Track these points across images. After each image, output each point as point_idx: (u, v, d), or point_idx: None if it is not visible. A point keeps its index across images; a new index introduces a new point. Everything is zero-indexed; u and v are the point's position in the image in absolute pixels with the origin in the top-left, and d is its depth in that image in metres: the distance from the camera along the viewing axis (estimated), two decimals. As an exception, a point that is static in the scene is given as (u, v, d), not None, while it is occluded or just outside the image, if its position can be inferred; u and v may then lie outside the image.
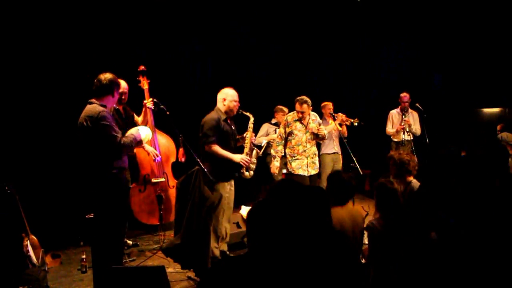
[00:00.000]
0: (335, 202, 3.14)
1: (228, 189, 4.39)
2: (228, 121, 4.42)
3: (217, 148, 4.26)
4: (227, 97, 4.38)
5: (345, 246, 2.21)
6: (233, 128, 4.47)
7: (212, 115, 4.36)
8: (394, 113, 7.15)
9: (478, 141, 8.23)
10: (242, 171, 4.45)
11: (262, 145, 6.15)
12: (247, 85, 7.44)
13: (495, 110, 8.71)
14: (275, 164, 5.45)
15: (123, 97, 4.63)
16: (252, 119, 4.58)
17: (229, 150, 4.35)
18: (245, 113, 4.55)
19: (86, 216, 4.37)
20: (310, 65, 8.63)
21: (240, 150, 4.49)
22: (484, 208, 2.63)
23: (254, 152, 4.53)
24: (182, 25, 6.83)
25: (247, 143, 4.46)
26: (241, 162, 4.33)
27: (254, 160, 4.52)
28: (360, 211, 3.23)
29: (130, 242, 5.17)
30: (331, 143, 6.56)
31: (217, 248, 4.29)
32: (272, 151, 5.58)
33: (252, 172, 4.54)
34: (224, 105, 4.38)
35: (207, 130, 4.26)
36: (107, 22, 5.90)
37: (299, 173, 5.43)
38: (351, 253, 2.55)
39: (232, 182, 4.49)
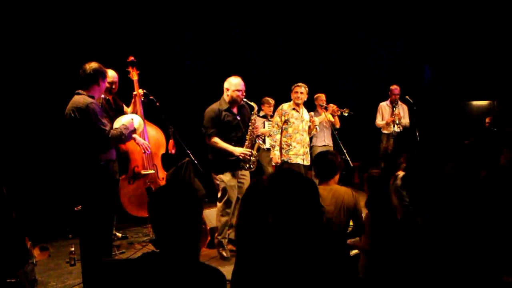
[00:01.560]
0: (319, 181, 3.21)
1: (234, 180, 4.38)
2: (235, 110, 4.39)
3: (216, 140, 4.26)
4: (230, 86, 4.36)
5: (329, 235, 2.22)
6: (238, 118, 4.41)
7: (213, 106, 4.35)
8: (384, 105, 7.18)
9: (467, 133, 8.29)
10: (241, 164, 4.42)
11: None
12: (239, 75, 7.41)
13: (484, 103, 8.77)
14: (276, 154, 5.43)
15: (113, 87, 4.58)
16: (255, 109, 4.54)
17: (232, 141, 4.33)
18: (249, 102, 4.51)
19: (75, 209, 4.33)
20: (302, 58, 8.60)
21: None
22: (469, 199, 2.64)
23: (256, 145, 4.48)
24: (173, 16, 6.76)
25: (248, 135, 4.42)
26: (241, 155, 4.31)
27: (255, 153, 4.47)
28: (349, 191, 3.19)
29: (119, 235, 5.14)
30: (322, 135, 6.57)
31: (225, 238, 4.46)
32: (270, 141, 5.57)
33: (252, 166, 4.49)
34: (228, 95, 4.37)
35: (205, 122, 4.29)
36: (97, 11, 5.80)
37: (298, 162, 5.44)
38: (335, 239, 2.56)
39: (245, 172, 4.48)
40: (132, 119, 3.82)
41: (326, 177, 3.21)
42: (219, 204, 4.46)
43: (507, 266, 2.25)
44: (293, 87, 5.54)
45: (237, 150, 4.30)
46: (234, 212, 4.35)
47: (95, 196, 3.52)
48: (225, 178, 4.35)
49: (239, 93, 4.37)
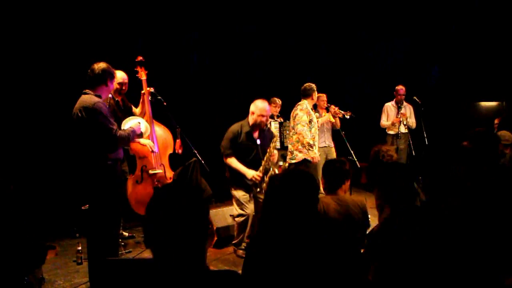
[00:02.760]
0: (329, 185, 3.16)
1: (247, 195, 4.48)
2: (256, 134, 4.48)
3: (231, 161, 4.41)
4: (255, 110, 4.43)
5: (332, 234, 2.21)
6: (257, 143, 4.49)
7: (234, 127, 4.47)
8: (390, 106, 7.13)
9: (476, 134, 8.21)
10: (251, 185, 4.50)
11: None
12: (245, 76, 7.42)
13: (493, 103, 8.69)
14: (316, 152, 5.61)
15: (123, 88, 4.59)
16: (276, 138, 4.61)
17: (246, 162, 4.42)
18: (271, 130, 4.75)
19: (82, 208, 4.34)
20: (307, 56, 8.58)
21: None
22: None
23: (270, 171, 4.49)
24: (180, 15, 6.76)
25: (264, 161, 4.44)
26: (252, 178, 4.37)
27: (266, 179, 4.47)
28: (358, 200, 3.15)
29: (126, 234, 5.16)
30: (322, 136, 6.55)
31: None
32: (308, 140, 5.56)
33: (261, 189, 4.51)
34: (252, 118, 4.44)
35: (224, 142, 4.44)
36: (104, 12, 5.82)
37: (317, 161, 5.62)
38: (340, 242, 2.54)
39: (257, 194, 4.56)
40: (139, 122, 3.83)
41: (334, 186, 3.17)
42: (235, 214, 4.59)
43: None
44: (314, 90, 5.77)
45: (249, 174, 4.37)
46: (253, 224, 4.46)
47: (102, 196, 3.53)
48: (238, 193, 4.48)
49: (263, 119, 4.45)
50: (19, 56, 5.26)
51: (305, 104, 5.65)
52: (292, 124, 5.73)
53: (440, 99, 8.49)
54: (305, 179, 2.11)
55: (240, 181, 4.44)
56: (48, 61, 5.41)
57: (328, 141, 6.65)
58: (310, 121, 5.57)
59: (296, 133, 5.61)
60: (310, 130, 5.56)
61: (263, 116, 4.41)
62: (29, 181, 5.08)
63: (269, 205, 2.12)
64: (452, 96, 8.59)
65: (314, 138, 5.59)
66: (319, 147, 6.53)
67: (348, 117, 6.47)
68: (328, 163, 3.34)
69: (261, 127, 4.52)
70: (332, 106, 6.44)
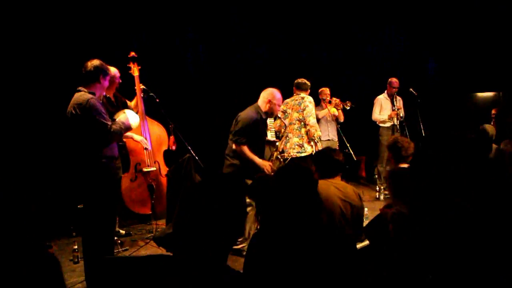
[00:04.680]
0: (322, 176, 3.12)
1: None
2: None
3: (244, 150, 4.23)
4: (273, 99, 4.35)
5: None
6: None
7: (251, 114, 4.30)
8: (383, 98, 7.06)
9: (473, 125, 8.21)
10: None
11: None
12: (240, 72, 7.38)
13: (489, 94, 8.67)
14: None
15: (116, 81, 4.55)
16: (286, 127, 4.58)
17: (257, 149, 4.33)
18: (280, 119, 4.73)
19: (78, 206, 4.32)
20: (304, 51, 8.54)
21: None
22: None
23: (278, 162, 4.48)
24: (173, 11, 6.71)
25: (276, 151, 4.40)
26: (266, 169, 4.26)
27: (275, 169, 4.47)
28: (353, 189, 3.14)
29: (122, 232, 5.14)
30: (326, 130, 6.53)
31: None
32: (319, 133, 5.60)
33: None
34: (267, 106, 4.35)
35: (240, 129, 4.22)
36: (98, 8, 5.77)
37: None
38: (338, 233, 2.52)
39: None
40: (126, 115, 3.77)
41: (327, 175, 3.13)
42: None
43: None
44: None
45: (264, 164, 4.31)
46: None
47: (97, 194, 3.50)
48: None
49: (279, 108, 4.47)
50: (12, 53, 5.20)
51: (310, 98, 5.60)
52: (297, 116, 5.61)
53: (436, 91, 8.48)
54: (302, 174, 2.09)
55: (248, 170, 4.28)
56: (41, 59, 5.36)
57: (332, 135, 6.64)
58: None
59: (307, 125, 5.52)
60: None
61: (279, 105, 4.43)
62: (24, 180, 5.05)
63: (269, 202, 2.09)
64: (448, 88, 8.57)
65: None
66: (322, 140, 6.52)
67: (348, 107, 6.44)
68: (321, 152, 3.32)
69: (271, 116, 4.55)
70: (334, 98, 6.42)
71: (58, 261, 1.58)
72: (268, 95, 4.37)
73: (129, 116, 3.69)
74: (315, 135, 5.48)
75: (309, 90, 5.69)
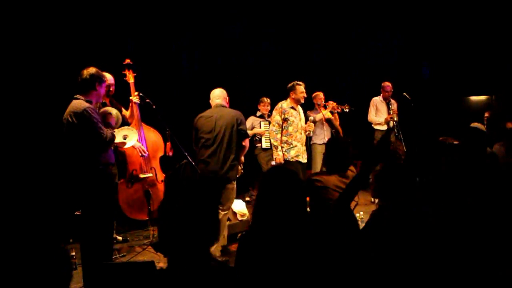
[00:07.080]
0: (333, 170, 3.14)
1: None
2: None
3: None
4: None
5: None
6: None
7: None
8: (378, 101, 7.12)
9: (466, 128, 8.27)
10: None
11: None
12: (236, 78, 7.40)
13: (482, 98, 8.76)
14: (279, 154, 5.37)
15: (110, 89, 4.58)
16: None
17: None
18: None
19: (75, 213, 4.33)
20: (298, 55, 8.59)
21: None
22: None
23: None
24: (168, 17, 6.75)
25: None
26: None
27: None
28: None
29: (120, 238, 5.14)
30: (322, 133, 6.53)
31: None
32: (272, 141, 5.51)
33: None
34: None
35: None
36: (93, 14, 5.79)
37: (299, 160, 5.43)
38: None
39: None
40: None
41: (339, 169, 3.14)
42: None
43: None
44: (295, 85, 5.47)
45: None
46: None
47: (94, 200, 3.53)
48: None
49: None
50: (8, 61, 5.21)
51: (280, 104, 5.55)
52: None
53: (430, 94, 8.55)
54: (284, 175, 2.14)
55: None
56: (36, 65, 5.37)
57: (328, 138, 6.63)
58: (286, 120, 5.42)
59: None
60: (286, 129, 5.42)
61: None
62: (22, 187, 5.05)
63: (258, 200, 2.16)
64: (442, 91, 8.64)
65: (292, 136, 5.43)
66: (318, 144, 6.53)
67: (347, 110, 6.44)
68: (334, 143, 3.30)
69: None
70: (330, 102, 6.41)
71: (69, 253, 1.62)
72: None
73: (130, 140, 3.76)
74: (271, 141, 5.59)
75: (293, 91, 5.51)
